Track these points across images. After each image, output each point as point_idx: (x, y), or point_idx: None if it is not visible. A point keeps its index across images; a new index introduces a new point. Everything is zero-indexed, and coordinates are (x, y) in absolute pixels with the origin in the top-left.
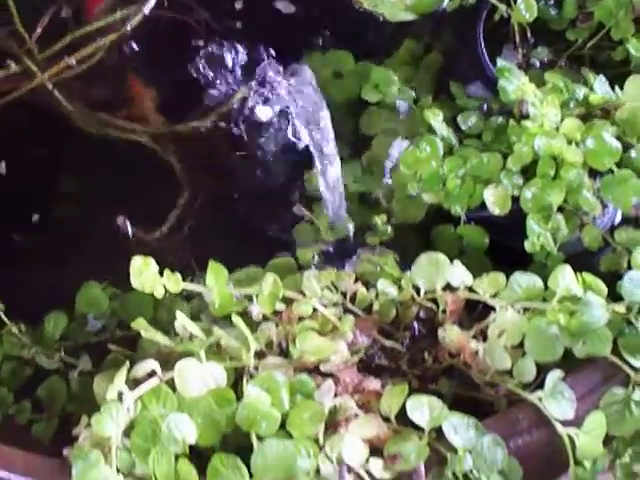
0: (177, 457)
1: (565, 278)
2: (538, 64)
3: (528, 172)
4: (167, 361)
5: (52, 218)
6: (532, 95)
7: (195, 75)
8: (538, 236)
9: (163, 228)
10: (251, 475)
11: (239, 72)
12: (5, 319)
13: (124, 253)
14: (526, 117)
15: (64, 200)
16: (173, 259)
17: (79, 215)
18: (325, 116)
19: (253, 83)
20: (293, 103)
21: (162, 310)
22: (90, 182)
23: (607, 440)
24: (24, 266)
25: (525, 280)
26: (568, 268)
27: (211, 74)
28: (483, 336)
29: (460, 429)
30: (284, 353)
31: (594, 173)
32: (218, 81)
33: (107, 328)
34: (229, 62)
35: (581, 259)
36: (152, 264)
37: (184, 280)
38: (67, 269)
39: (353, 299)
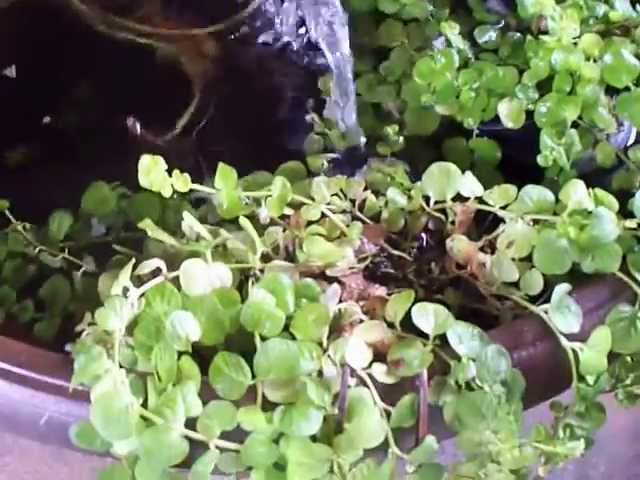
0: (180, 354)
1: (577, 192)
2: None
3: (544, 87)
4: (173, 262)
5: (62, 120)
6: (551, 9)
7: None
8: (551, 150)
9: (173, 131)
10: (253, 375)
11: None
12: (10, 217)
13: (134, 156)
14: (544, 33)
15: (75, 103)
16: (182, 163)
17: (89, 118)
18: (342, 20)
19: None
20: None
21: (169, 212)
22: (101, 85)
23: (611, 358)
24: (33, 168)
25: (536, 193)
26: (580, 183)
27: None
28: (491, 248)
29: (465, 338)
30: (290, 257)
31: (610, 90)
32: None
33: (112, 229)
34: None
35: (593, 177)
36: (161, 163)
37: (193, 183)
38: (76, 172)
39: (362, 207)
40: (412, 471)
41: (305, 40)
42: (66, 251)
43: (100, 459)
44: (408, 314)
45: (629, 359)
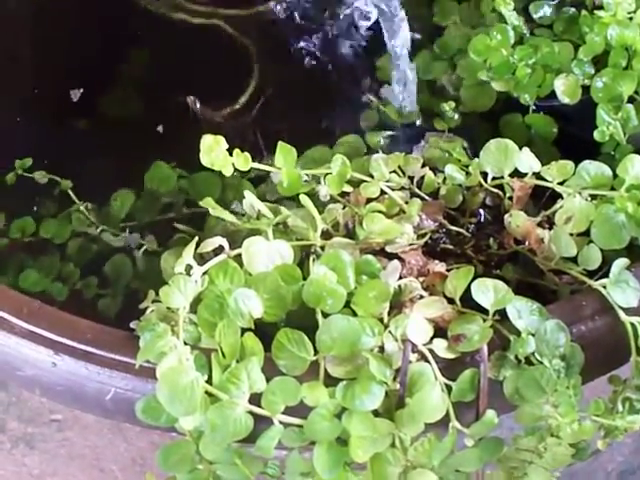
0: (243, 331)
1: (635, 167)
2: None
3: (599, 63)
4: (234, 240)
5: (120, 98)
6: None
7: None
8: (608, 125)
9: (233, 109)
10: (315, 351)
11: None
12: (74, 197)
13: (194, 134)
14: (599, 8)
15: (134, 82)
16: (241, 140)
17: (149, 96)
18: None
19: None
20: None
21: (229, 191)
22: (160, 64)
23: None
24: (93, 148)
25: (594, 168)
26: (638, 157)
27: None
28: (549, 224)
29: (524, 313)
30: (350, 234)
31: None
32: None
33: (173, 207)
34: None
35: None
36: (222, 142)
37: (252, 161)
38: (136, 151)
39: (420, 184)
40: (472, 445)
41: (363, 18)
42: (127, 231)
43: (158, 434)
44: (467, 290)
45: None
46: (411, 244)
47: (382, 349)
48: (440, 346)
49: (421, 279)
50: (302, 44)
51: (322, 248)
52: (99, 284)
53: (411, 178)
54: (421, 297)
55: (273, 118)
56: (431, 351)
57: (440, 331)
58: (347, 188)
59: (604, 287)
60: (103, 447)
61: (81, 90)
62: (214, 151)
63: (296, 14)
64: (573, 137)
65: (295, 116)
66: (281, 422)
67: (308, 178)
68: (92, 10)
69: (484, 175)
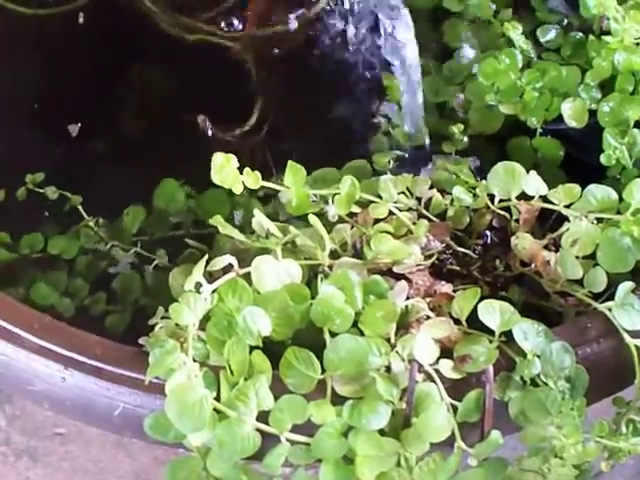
0: (251, 349)
1: None
2: None
3: (606, 87)
4: (242, 258)
5: (132, 116)
6: (613, 10)
7: None
8: (614, 150)
9: (242, 129)
10: (323, 370)
11: None
12: (83, 213)
13: (203, 152)
14: (606, 33)
15: (146, 100)
16: (251, 159)
17: (160, 115)
18: (408, 21)
19: None
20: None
21: (238, 209)
22: (171, 83)
23: None
24: (103, 164)
25: (600, 192)
26: None
27: None
28: (555, 246)
29: (530, 334)
30: (358, 254)
31: None
32: None
33: (183, 225)
34: None
35: None
36: (233, 161)
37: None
38: (146, 167)
39: (428, 205)
40: (476, 465)
41: (371, 40)
42: (139, 245)
43: (162, 449)
44: (474, 311)
45: None
46: (418, 265)
47: (389, 369)
48: (446, 366)
49: (428, 300)
50: (311, 64)
51: (330, 268)
52: (107, 300)
53: (419, 199)
54: (428, 317)
55: (282, 138)
56: (437, 371)
57: (446, 351)
58: (355, 208)
59: (609, 310)
60: (106, 461)
61: (78, 125)
62: (225, 169)
63: (307, 35)
64: (580, 161)
65: (303, 136)
66: (288, 440)
67: (317, 198)
68: (105, 28)
69: (491, 197)
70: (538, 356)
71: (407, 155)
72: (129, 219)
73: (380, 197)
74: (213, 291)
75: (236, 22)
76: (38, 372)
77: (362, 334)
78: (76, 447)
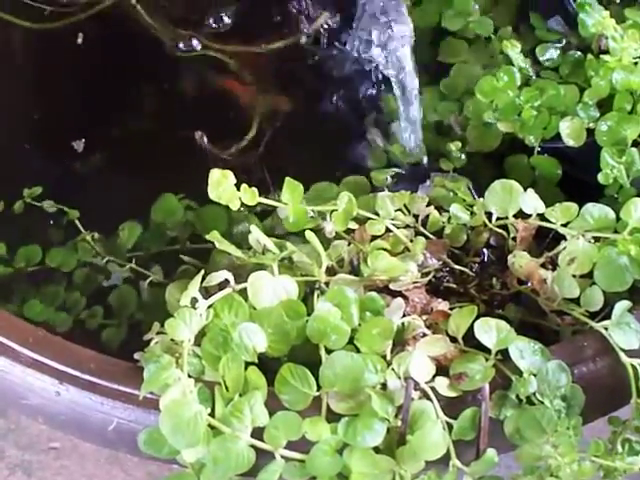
0: (247, 365)
1: (638, 210)
2: (618, 0)
3: (604, 106)
4: (239, 274)
5: (129, 131)
6: (612, 29)
7: None
8: (612, 169)
9: (239, 145)
10: (318, 386)
11: None
12: (80, 227)
13: (200, 168)
14: (605, 52)
15: (143, 115)
16: (248, 176)
17: (157, 130)
18: (407, 38)
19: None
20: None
21: (235, 225)
22: (169, 98)
23: None
24: (101, 179)
25: (597, 211)
26: None
27: None
28: (552, 265)
29: (526, 353)
30: (355, 271)
31: None
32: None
33: (179, 241)
34: None
35: None
36: (230, 177)
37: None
38: (143, 183)
39: (425, 222)
40: None
41: (369, 57)
42: (133, 261)
43: (156, 464)
44: (470, 329)
45: None
46: (415, 282)
47: (384, 386)
48: (442, 384)
49: (424, 317)
50: (309, 82)
51: (327, 284)
52: (104, 315)
53: (416, 217)
54: (424, 335)
55: (279, 154)
56: (433, 389)
57: (442, 369)
58: (352, 225)
59: (606, 329)
60: (101, 477)
61: (82, 141)
62: (222, 185)
63: (303, 52)
64: (577, 179)
65: (301, 153)
66: (283, 456)
67: (314, 214)
68: (104, 42)
69: (488, 215)
70: (534, 374)
71: (405, 172)
72: (125, 234)
73: (377, 214)
74: (209, 306)
75: (234, 37)
76: (32, 386)
77: (358, 351)
78: (71, 462)
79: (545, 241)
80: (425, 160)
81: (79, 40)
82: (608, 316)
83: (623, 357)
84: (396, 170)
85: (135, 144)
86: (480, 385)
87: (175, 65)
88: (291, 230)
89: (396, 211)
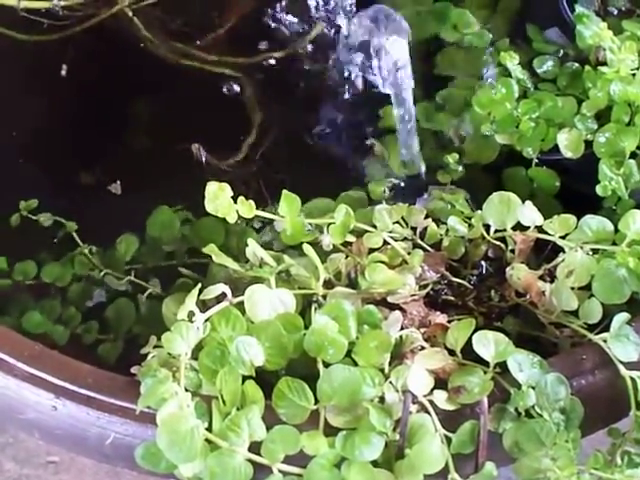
0: (244, 379)
1: (636, 222)
2: (615, 12)
3: (602, 118)
4: (236, 287)
5: (126, 143)
6: (609, 41)
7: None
8: (610, 180)
9: (236, 157)
10: (316, 400)
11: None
12: (77, 240)
13: (197, 181)
14: (602, 64)
15: (140, 128)
16: (246, 189)
17: (154, 142)
18: (403, 48)
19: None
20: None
21: (232, 238)
22: (165, 111)
23: None
24: (98, 191)
25: (595, 223)
26: (639, 212)
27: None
28: (550, 277)
29: (525, 366)
30: (352, 284)
31: None
32: (297, 14)
33: (177, 254)
34: None
35: None
36: (227, 189)
37: (256, 209)
38: (140, 195)
39: (423, 235)
40: None
41: (367, 68)
42: (132, 274)
43: (154, 479)
44: (469, 341)
45: None
46: (413, 295)
47: (382, 399)
48: (440, 397)
49: (422, 330)
50: (307, 92)
51: (324, 297)
52: (100, 329)
53: (414, 229)
54: (422, 348)
55: (276, 166)
56: (431, 402)
57: (440, 382)
58: (350, 238)
59: (604, 341)
60: None
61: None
62: (219, 198)
63: (300, 62)
64: (575, 191)
65: (298, 166)
66: (280, 471)
67: (311, 227)
68: (100, 54)
69: (486, 227)
70: (533, 387)
71: (402, 184)
72: (122, 247)
73: (375, 226)
74: (206, 320)
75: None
76: (28, 401)
77: (356, 364)
78: (69, 476)
79: (543, 253)
80: (423, 172)
81: (62, 73)
82: (607, 328)
83: (622, 369)
84: (394, 182)
85: (132, 156)
86: (479, 398)
87: (172, 77)
88: (288, 243)
89: (394, 224)
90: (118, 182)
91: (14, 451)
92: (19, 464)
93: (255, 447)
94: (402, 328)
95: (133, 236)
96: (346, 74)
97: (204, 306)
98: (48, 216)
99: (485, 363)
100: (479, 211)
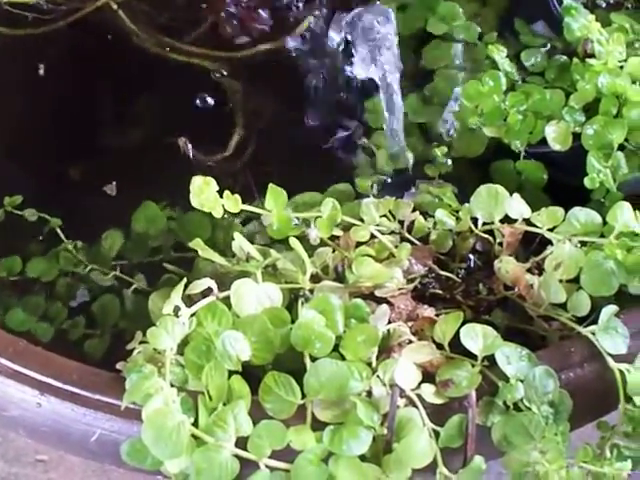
0: (230, 374)
1: (624, 214)
2: (604, 5)
3: (590, 110)
4: (222, 282)
5: (113, 138)
6: (597, 33)
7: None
8: (598, 173)
9: (223, 152)
10: (303, 395)
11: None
12: (62, 236)
13: (184, 175)
14: (590, 56)
15: (127, 122)
16: (233, 183)
17: (140, 137)
18: (392, 42)
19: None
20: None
21: (219, 232)
22: (152, 105)
23: None
24: (84, 186)
25: (583, 215)
26: (627, 205)
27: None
28: (539, 270)
29: (513, 359)
30: (340, 278)
31: None
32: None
33: (163, 249)
34: None
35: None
36: (212, 184)
37: (243, 203)
38: (126, 190)
39: (410, 228)
40: None
41: (354, 61)
42: (118, 269)
43: (143, 476)
44: (456, 335)
45: None
46: (400, 288)
47: (370, 394)
48: (428, 391)
49: (410, 324)
50: (294, 86)
51: (311, 291)
52: (86, 325)
53: (401, 222)
54: (410, 342)
55: (264, 161)
56: (419, 396)
57: (428, 376)
58: (337, 232)
59: (593, 334)
60: None
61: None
62: (204, 193)
63: (287, 56)
64: (563, 184)
65: (285, 159)
66: (267, 466)
67: (298, 221)
68: (87, 48)
69: (474, 220)
70: (521, 380)
71: (390, 179)
72: (107, 243)
73: (362, 220)
74: (192, 315)
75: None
76: (13, 397)
77: (343, 358)
78: (58, 474)
79: (531, 246)
80: (410, 166)
81: (41, 72)
82: (595, 321)
83: (610, 362)
84: (381, 177)
85: (117, 151)
86: (467, 392)
87: (158, 71)
88: (275, 237)
89: (381, 217)
90: (114, 183)
91: (3, 450)
92: (8, 463)
93: (242, 442)
94: (390, 322)
95: (118, 231)
96: (334, 67)
97: (190, 301)
98: (33, 212)
99: (473, 356)
100: (467, 204)
